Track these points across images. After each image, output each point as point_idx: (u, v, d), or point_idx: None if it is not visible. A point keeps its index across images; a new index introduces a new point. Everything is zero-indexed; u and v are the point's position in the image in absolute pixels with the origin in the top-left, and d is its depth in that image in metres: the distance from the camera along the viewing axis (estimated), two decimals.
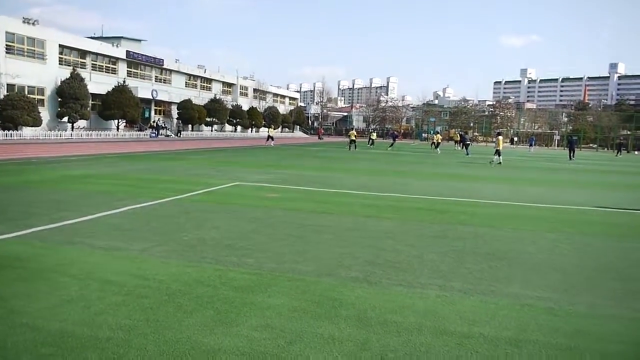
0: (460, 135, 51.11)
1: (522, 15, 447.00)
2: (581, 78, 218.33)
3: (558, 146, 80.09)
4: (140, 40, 58.99)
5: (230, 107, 65.03)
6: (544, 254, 6.38)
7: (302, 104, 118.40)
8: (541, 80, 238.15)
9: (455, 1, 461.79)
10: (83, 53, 45.59)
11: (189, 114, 55.23)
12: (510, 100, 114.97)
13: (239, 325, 3.73)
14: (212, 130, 63.62)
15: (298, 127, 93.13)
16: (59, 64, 41.73)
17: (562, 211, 10.36)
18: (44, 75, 39.55)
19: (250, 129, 72.54)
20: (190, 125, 58.24)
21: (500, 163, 26.45)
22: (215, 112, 60.39)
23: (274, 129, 47.63)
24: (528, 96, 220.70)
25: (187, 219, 7.79)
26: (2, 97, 34.71)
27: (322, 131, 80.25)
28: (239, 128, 69.80)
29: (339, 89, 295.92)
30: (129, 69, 51.69)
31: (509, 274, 5.43)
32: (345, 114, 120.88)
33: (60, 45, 42.03)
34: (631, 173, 25.76)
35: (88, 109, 41.22)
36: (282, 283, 4.78)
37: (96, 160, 18.86)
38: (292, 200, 10.51)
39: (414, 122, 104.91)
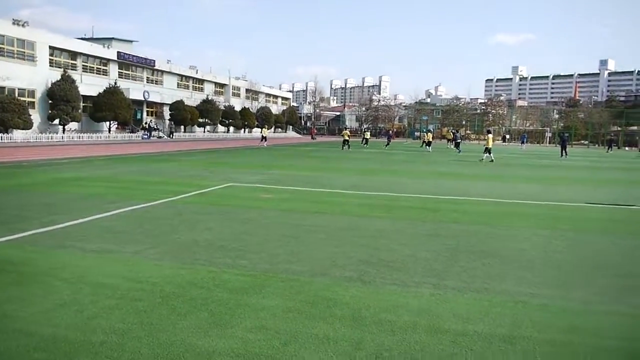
0: (453, 134, 51.27)
1: (513, 13, 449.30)
2: (572, 75, 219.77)
3: (550, 143, 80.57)
4: (131, 41, 58.69)
5: (222, 107, 64.84)
6: (537, 251, 6.41)
7: (295, 104, 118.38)
8: (532, 78, 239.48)
9: (446, 0, 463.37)
10: (74, 54, 45.28)
11: (181, 115, 55.04)
12: (502, 98, 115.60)
13: (234, 327, 3.71)
14: (204, 131, 63.44)
15: (291, 127, 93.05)
16: (50, 65, 41.43)
17: (555, 208, 10.42)
18: (35, 77, 39.26)
19: (242, 129, 72.38)
20: (182, 127, 58.03)
21: (492, 160, 26.59)
22: (207, 113, 60.21)
23: (267, 129, 47.56)
24: (519, 94, 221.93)
25: (180, 221, 7.76)
26: None
27: (315, 131, 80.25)
28: (231, 129, 69.61)
29: (331, 88, 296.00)
30: (120, 70, 51.40)
31: (503, 271, 5.45)
32: (338, 113, 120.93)
33: (50, 47, 41.72)
34: (622, 169, 25.96)
35: (79, 111, 40.96)
36: (276, 284, 4.77)
37: (88, 163, 18.75)
38: (285, 200, 10.50)
39: (407, 120, 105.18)
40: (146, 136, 46.93)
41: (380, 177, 16.44)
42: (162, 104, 56.58)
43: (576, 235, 7.52)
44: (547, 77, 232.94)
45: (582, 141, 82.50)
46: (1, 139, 32.84)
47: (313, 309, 4.13)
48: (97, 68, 48.50)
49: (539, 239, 7.18)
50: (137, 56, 53.90)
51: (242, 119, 69.22)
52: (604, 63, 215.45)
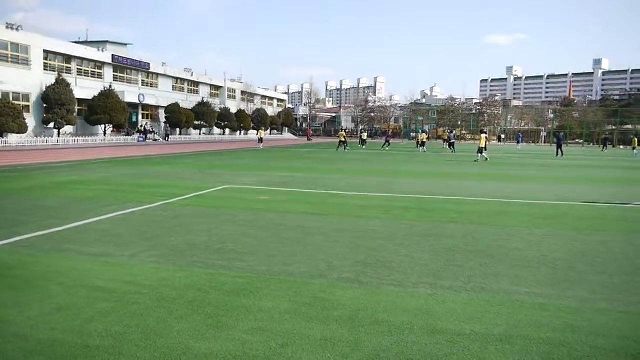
0: (448, 134, 51.40)
1: (507, 14, 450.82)
2: (566, 75, 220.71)
3: (545, 142, 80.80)
4: (126, 44, 58.64)
5: (218, 110, 64.82)
6: (533, 250, 6.43)
7: (291, 106, 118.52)
8: (527, 78, 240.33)
9: (440, 1, 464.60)
10: (68, 58, 45.16)
11: (177, 118, 54.94)
12: (497, 98, 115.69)
13: (231, 329, 3.71)
14: (200, 134, 63.38)
15: (287, 128, 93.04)
16: (44, 69, 41.30)
17: (551, 207, 10.45)
18: (29, 81, 39.14)
19: (238, 131, 72.33)
20: (178, 129, 57.91)
21: (486, 159, 26.69)
22: (203, 115, 60.15)
23: (264, 131, 47.58)
24: (514, 93, 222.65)
25: (177, 224, 7.75)
26: None
27: (311, 132, 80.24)
28: (227, 131, 69.54)
29: (326, 90, 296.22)
30: (115, 74, 51.30)
31: (499, 270, 5.46)
32: (334, 114, 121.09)
33: (44, 51, 41.60)
34: (616, 167, 26.06)
35: (74, 114, 40.85)
36: (273, 285, 4.77)
37: (83, 166, 18.69)
38: (281, 202, 10.50)
39: (402, 121, 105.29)
40: (142, 139, 46.81)
41: (377, 178, 16.45)
42: (157, 107, 56.49)
43: (572, 234, 7.54)
44: (542, 76, 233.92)
45: (577, 140, 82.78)
46: None
47: (310, 311, 4.13)
48: (91, 71, 48.40)
49: (535, 238, 7.21)
50: (132, 59, 53.81)
51: (237, 121, 69.17)
52: (598, 62, 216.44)
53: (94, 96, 43.14)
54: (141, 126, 51.05)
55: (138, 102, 51.64)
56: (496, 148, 52.60)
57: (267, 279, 4.96)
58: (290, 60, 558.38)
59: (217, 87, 73.78)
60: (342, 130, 53.54)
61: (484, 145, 27.93)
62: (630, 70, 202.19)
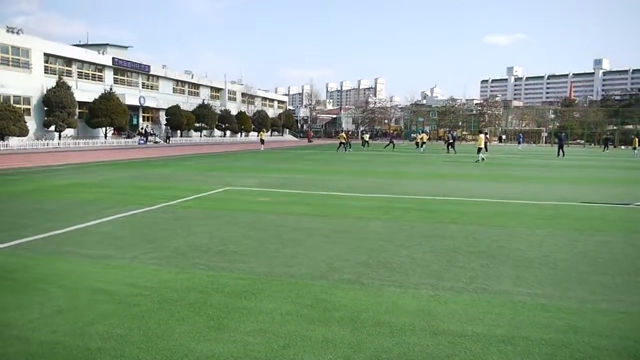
0: (452, 135, 51.45)
1: (506, 13, 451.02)
2: (567, 75, 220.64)
3: (546, 143, 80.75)
4: (126, 47, 58.82)
5: (218, 112, 64.93)
6: (534, 251, 6.43)
7: (291, 107, 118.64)
8: (527, 78, 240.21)
9: (439, 1, 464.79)
10: (69, 61, 45.26)
11: (178, 120, 55.02)
12: (497, 99, 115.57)
13: (232, 331, 3.71)
14: (201, 136, 63.46)
15: (287, 130, 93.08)
16: (45, 72, 41.40)
17: (552, 207, 10.44)
18: (30, 85, 39.21)
19: (239, 133, 72.39)
20: (179, 131, 58.00)
21: (483, 159, 26.71)
22: (203, 117, 60.24)
23: (265, 133, 47.66)
24: (515, 94, 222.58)
25: (178, 226, 7.75)
26: None
27: (312, 134, 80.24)
28: (228, 133, 69.63)
29: (327, 91, 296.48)
30: (115, 76, 51.39)
31: (501, 271, 5.46)
32: (334, 116, 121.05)
33: (45, 54, 41.70)
34: (617, 167, 26.03)
35: (75, 117, 40.94)
36: (275, 287, 4.77)
37: (84, 169, 18.71)
38: (282, 203, 10.50)
39: (403, 122, 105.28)
40: (142, 141, 46.88)
41: (377, 179, 16.45)
42: (158, 109, 56.59)
43: (573, 235, 7.53)
44: (542, 77, 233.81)
45: (579, 140, 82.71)
46: None
47: (312, 312, 4.13)
48: (92, 74, 48.50)
49: (536, 238, 7.20)
50: (132, 62, 53.91)
51: (238, 123, 69.27)
52: (598, 62, 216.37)
53: (95, 99, 43.22)
54: (142, 128, 51.13)
55: (139, 104, 51.74)
56: (497, 149, 52.58)
57: (269, 281, 4.96)
58: (290, 62, 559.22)
59: (218, 89, 73.87)
60: (342, 131, 53.48)
61: (482, 146, 27.97)
62: (631, 70, 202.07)
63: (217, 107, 65.66)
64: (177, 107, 55.50)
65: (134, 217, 8.49)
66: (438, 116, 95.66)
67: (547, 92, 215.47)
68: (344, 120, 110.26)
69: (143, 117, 55.05)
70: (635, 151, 43.27)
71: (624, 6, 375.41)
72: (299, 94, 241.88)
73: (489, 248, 6.54)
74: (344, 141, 39.75)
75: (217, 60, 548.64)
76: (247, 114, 73.18)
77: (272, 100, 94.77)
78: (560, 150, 37.45)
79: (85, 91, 44.49)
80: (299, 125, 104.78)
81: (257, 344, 3.49)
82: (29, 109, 39.26)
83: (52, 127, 39.07)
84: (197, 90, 68.14)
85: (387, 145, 45.82)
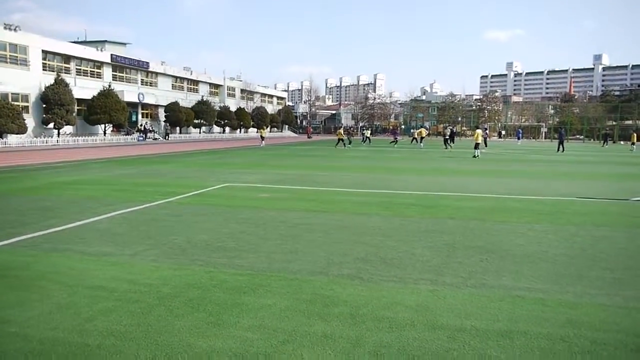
0: (450, 130, 51.41)
1: (505, 9, 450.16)
2: (566, 70, 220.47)
3: (545, 138, 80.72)
4: (124, 44, 58.61)
5: (217, 108, 64.82)
6: (533, 246, 6.44)
7: (290, 103, 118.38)
8: (527, 74, 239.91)
9: None
10: (67, 58, 45.15)
11: (177, 117, 54.97)
12: (497, 94, 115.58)
13: (232, 327, 3.72)
14: (200, 132, 63.42)
15: (287, 126, 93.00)
16: (43, 69, 41.31)
17: (550, 202, 10.45)
18: (28, 82, 39.13)
19: (238, 129, 72.33)
20: (178, 128, 57.96)
21: (478, 155, 26.78)
22: (202, 113, 60.18)
23: (265, 129, 47.65)
24: (514, 89, 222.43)
25: (177, 222, 7.75)
26: None
27: (311, 130, 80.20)
28: (227, 129, 69.57)
29: (326, 87, 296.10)
30: (114, 73, 51.29)
31: (499, 266, 5.47)
32: (334, 112, 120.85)
33: (43, 51, 41.60)
34: (617, 163, 26.05)
35: (74, 114, 40.87)
36: (274, 283, 4.78)
37: (83, 166, 18.70)
38: (282, 199, 10.50)
39: (402, 118, 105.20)
40: (141, 138, 46.84)
41: (376, 175, 16.45)
42: (157, 106, 56.50)
43: (570, 229, 7.54)
44: (542, 72, 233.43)
45: (578, 136, 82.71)
46: None
47: (311, 307, 4.13)
48: (90, 71, 48.40)
49: (534, 233, 7.21)
50: (130, 58, 53.81)
51: (237, 119, 69.19)
52: (598, 58, 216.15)
53: (93, 96, 43.16)
54: (141, 125, 51.08)
55: (137, 101, 51.65)
56: (496, 144, 52.58)
57: (268, 276, 4.96)
58: (289, 58, 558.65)
59: (217, 86, 73.77)
60: (340, 127, 53.41)
61: (479, 141, 28.04)
62: (630, 66, 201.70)
63: (216, 104, 65.56)
64: (176, 103, 55.43)
65: (134, 213, 8.49)
66: (437, 112, 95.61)
67: (547, 88, 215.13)
68: (344, 116, 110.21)
69: (142, 113, 54.95)
70: (634, 146, 43.29)
71: (624, 1, 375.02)
72: (298, 90, 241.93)
73: (488, 243, 6.55)
74: (342, 138, 39.74)
75: (215, 56, 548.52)
76: (246, 110, 73.10)
77: (271, 96, 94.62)
78: (561, 146, 37.49)
79: (83, 88, 44.43)
80: (299, 121, 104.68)
81: (256, 340, 3.49)
82: (27, 107, 39.20)
83: (51, 125, 39.01)
84: (196, 87, 68.03)
85: (392, 142, 45.66)
